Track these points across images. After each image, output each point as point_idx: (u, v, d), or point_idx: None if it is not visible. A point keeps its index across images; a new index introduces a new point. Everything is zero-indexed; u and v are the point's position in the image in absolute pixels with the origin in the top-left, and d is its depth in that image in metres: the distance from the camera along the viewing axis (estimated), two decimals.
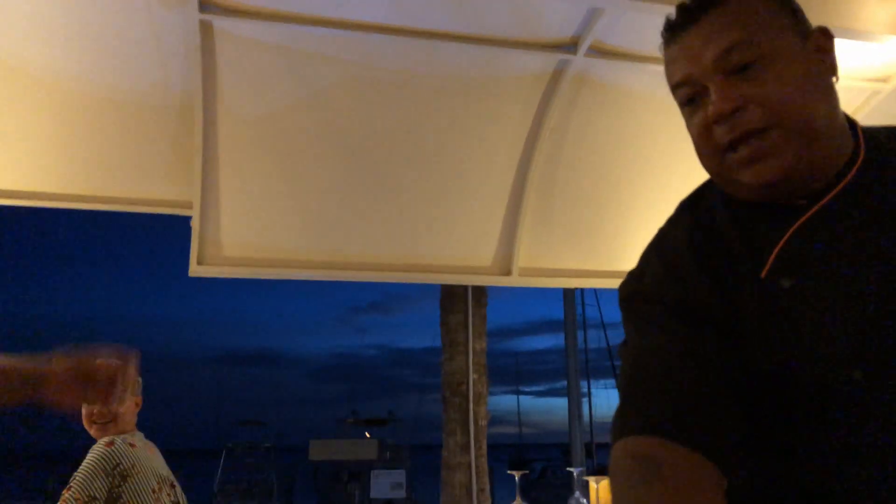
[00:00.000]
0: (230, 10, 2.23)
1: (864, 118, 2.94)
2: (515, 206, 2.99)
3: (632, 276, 0.89)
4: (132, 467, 2.28)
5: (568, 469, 3.53)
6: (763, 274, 0.78)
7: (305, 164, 2.77)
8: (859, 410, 0.72)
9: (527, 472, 3.51)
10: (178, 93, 2.49)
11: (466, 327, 7.00)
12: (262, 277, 2.94)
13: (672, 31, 0.85)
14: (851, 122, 0.87)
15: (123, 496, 2.24)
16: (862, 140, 0.85)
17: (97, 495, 2.19)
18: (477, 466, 6.95)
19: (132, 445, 2.35)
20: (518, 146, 2.89)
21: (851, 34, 2.40)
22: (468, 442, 6.84)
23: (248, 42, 2.37)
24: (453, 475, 6.94)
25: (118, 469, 2.25)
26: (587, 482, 3.11)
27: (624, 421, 0.76)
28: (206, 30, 2.28)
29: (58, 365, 1.19)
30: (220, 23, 2.27)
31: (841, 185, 0.80)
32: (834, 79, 0.83)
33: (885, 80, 2.83)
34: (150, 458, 2.41)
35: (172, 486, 2.48)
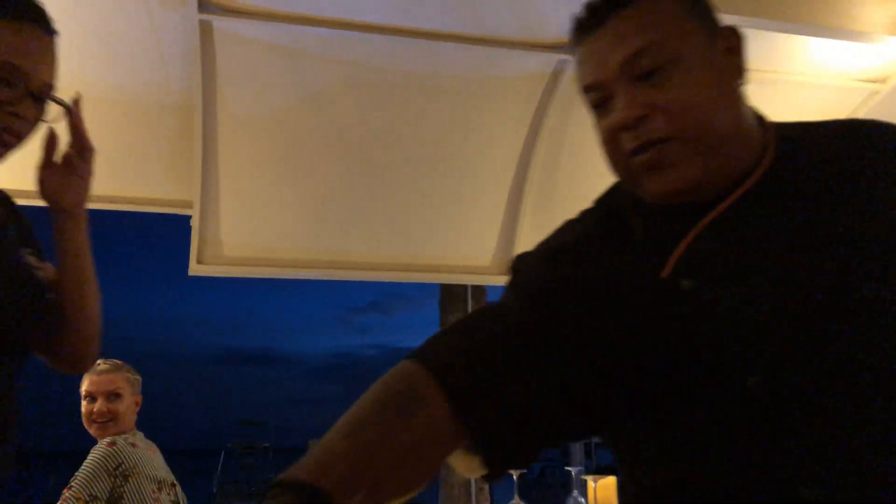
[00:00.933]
0: (230, 10, 2.23)
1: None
2: (515, 205, 3.00)
3: (534, 248, 0.91)
4: (133, 467, 2.29)
5: (566, 468, 3.54)
6: (664, 274, 0.77)
7: (305, 164, 2.78)
8: (755, 417, 0.70)
9: (525, 471, 3.51)
10: (178, 92, 2.50)
11: None
12: (262, 277, 2.95)
13: (580, 31, 0.83)
14: (764, 121, 0.86)
15: (125, 496, 2.24)
16: (774, 139, 0.83)
17: (98, 495, 2.19)
18: None
19: (134, 445, 2.36)
20: (517, 146, 2.89)
21: (850, 35, 2.40)
22: None
23: (248, 42, 2.37)
24: (452, 474, 6.94)
25: (120, 469, 2.26)
26: (585, 482, 3.12)
27: (419, 349, 0.79)
28: (205, 30, 2.28)
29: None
30: (220, 23, 2.27)
31: (744, 188, 0.79)
32: (741, 81, 0.82)
33: (883, 80, 2.84)
34: (151, 459, 2.42)
35: (173, 486, 2.49)
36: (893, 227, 0.74)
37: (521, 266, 0.89)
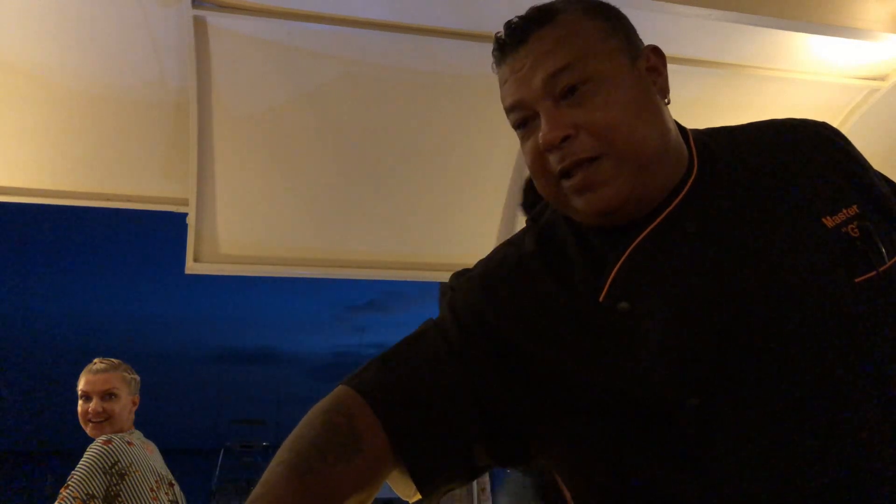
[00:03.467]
0: (224, 6, 2.22)
1: (863, 116, 2.94)
2: (514, 203, 2.98)
3: (473, 266, 0.91)
4: (130, 465, 2.27)
5: None
6: (601, 297, 0.77)
7: (302, 161, 2.77)
8: (696, 437, 0.71)
9: None
10: (173, 89, 2.48)
11: None
12: (260, 275, 2.93)
13: (502, 50, 0.82)
14: (686, 134, 0.85)
15: (121, 494, 2.23)
16: (695, 152, 0.83)
17: (95, 493, 2.18)
18: None
19: (130, 444, 2.34)
20: (517, 144, 2.87)
21: (850, 32, 2.39)
22: None
23: (243, 38, 2.36)
24: None
25: (116, 467, 2.24)
26: None
27: (358, 374, 0.81)
28: (199, 26, 2.27)
29: None
30: (214, 19, 2.26)
31: (673, 204, 0.79)
32: (666, 100, 0.82)
33: (883, 78, 2.83)
34: (148, 457, 2.41)
35: (171, 484, 2.48)
36: (818, 226, 0.75)
37: (459, 286, 0.88)
